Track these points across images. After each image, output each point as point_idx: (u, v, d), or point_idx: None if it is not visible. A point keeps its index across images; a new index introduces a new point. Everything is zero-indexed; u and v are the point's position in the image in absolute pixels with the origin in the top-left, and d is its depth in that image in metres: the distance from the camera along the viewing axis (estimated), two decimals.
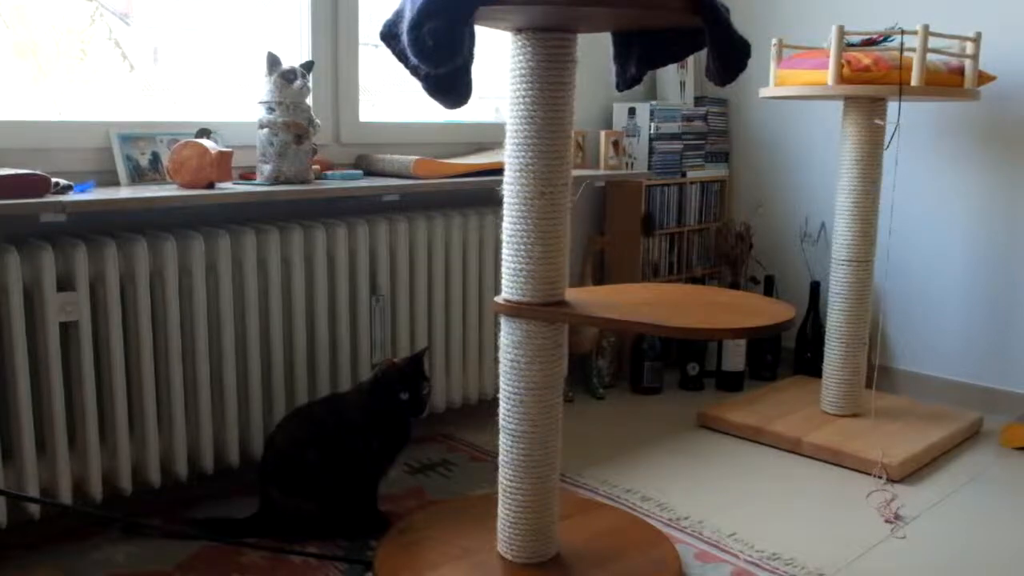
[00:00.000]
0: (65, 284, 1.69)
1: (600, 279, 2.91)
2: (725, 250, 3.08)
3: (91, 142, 1.88)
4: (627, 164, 2.89)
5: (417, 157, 2.19)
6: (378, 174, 2.26)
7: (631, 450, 2.31)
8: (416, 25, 1.22)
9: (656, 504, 1.98)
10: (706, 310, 1.55)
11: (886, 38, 2.27)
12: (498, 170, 1.57)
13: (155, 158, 1.94)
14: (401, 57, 1.33)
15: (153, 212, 1.96)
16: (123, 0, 2.04)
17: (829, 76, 2.18)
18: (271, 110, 1.94)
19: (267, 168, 1.95)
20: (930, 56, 2.18)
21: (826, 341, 2.48)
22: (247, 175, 2.06)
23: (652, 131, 2.85)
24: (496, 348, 1.57)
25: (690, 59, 3.05)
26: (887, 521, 1.92)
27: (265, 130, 1.94)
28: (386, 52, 1.38)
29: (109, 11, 2.00)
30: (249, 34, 2.19)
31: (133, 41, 2.04)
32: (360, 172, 2.19)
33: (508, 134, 1.50)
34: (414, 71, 1.32)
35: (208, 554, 1.72)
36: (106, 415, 1.78)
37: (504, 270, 1.55)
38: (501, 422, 1.60)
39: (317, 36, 2.22)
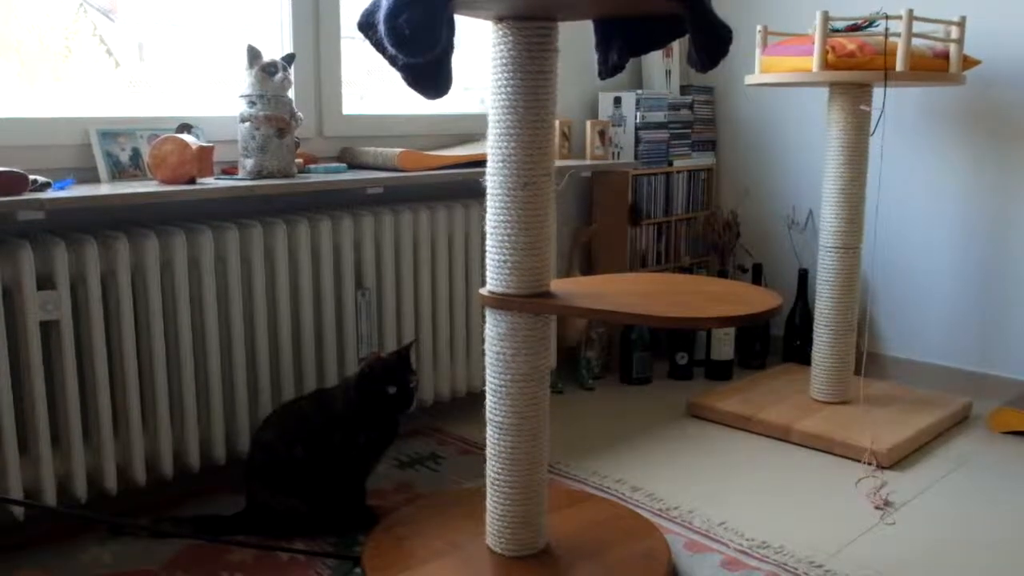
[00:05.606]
0: (45, 283, 1.67)
1: (587, 269, 2.91)
2: (713, 239, 3.08)
3: (70, 139, 1.86)
4: (613, 154, 2.88)
5: (402, 149, 2.17)
6: (362, 167, 2.25)
7: (620, 441, 2.31)
8: (393, 14, 1.20)
9: (645, 494, 1.98)
10: (694, 299, 1.55)
11: (871, 23, 2.27)
12: (483, 161, 1.55)
13: (135, 154, 1.92)
14: (379, 47, 1.32)
15: (134, 209, 1.94)
16: None
17: (814, 62, 2.17)
18: (252, 104, 1.92)
19: (249, 162, 1.93)
20: (915, 41, 2.17)
21: (815, 328, 2.47)
22: (229, 170, 2.04)
23: (638, 120, 2.84)
24: (484, 340, 1.56)
25: (675, 47, 3.04)
26: (877, 508, 1.92)
27: (247, 124, 1.92)
28: (368, 44, 1.36)
29: (93, 7, 1.98)
30: (230, 27, 2.17)
31: (118, 37, 2.02)
32: (344, 165, 2.17)
33: (490, 124, 1.49)
34: (392, 61, 1.31)
35: (195, 553, 1.71)
36: (90, 414, 1.77)
37: (488, 262, 1.54)
38: (488, 415, 1.59)
39: (298, 28, 2.20)
